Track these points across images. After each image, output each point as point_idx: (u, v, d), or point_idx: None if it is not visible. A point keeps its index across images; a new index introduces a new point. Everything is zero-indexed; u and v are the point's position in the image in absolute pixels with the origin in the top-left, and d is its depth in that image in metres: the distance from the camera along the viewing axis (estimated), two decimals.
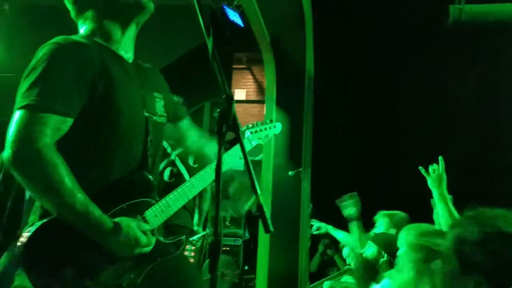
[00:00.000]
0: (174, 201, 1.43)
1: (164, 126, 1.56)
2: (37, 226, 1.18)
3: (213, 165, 1.57)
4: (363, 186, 5.98)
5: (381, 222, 3.26)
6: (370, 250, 2.78)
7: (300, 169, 5.23)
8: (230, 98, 1.19)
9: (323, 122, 6.28)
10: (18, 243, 1.16)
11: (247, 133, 1.77)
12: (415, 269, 2.01)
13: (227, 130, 1.17)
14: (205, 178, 1.55)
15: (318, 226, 3.85)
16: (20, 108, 1.21)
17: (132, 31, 1.48)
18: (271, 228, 1.14)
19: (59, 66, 1.25)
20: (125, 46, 1.45)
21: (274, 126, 1.97)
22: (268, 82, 6.36)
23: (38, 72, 1.23)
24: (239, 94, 7.45)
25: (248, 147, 1.72)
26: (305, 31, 5.91)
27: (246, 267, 6.15)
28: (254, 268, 5.95)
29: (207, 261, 6.05)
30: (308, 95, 6.16)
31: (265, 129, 1.89)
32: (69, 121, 1.26)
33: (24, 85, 1.24)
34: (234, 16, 5.89)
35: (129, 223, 1.26)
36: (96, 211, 1.21)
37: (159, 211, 1.38)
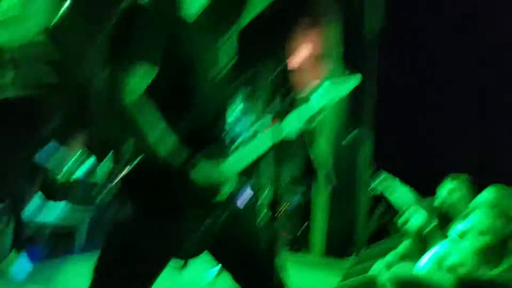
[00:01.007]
0: (248, 151, 1.52)
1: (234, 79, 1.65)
2: (132, 166, 1.34)
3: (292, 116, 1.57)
4: (428, 151, 5.77)
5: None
6: (419, 217, 2.70)
7: (357, 131, 5.14)
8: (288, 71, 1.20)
9: (388, 81, 6.05)
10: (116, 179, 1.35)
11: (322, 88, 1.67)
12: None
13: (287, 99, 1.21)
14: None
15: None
16: (110, 62, 1.37)
17: None
18: (333, 181, 1.17)
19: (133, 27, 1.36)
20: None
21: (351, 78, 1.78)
22: (331, 42, 6.20)
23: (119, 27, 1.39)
24: (302, 54, 7.33)
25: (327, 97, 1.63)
26: None
27: (305, 224, 6.28)
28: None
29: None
30: (372, 54, 5.94)
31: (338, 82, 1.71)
32: (155, 69, 1.36)
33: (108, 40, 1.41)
34: None
35: (208, 166, 1.37)
36: (183, 153, 1.33)
37: (235, 160, 1.48)
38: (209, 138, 1.46)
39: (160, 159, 1.32)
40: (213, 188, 1.38)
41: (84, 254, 4.71)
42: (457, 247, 2.27)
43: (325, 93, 1.61)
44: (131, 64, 1.31)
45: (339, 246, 5.60)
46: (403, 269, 2.37)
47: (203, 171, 1.35)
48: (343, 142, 4.98)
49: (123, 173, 1.34)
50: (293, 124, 1.53)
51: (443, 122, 5.73)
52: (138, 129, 1.29)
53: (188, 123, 1.43)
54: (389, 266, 2.75)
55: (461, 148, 5.49)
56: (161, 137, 1.31)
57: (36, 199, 4.92)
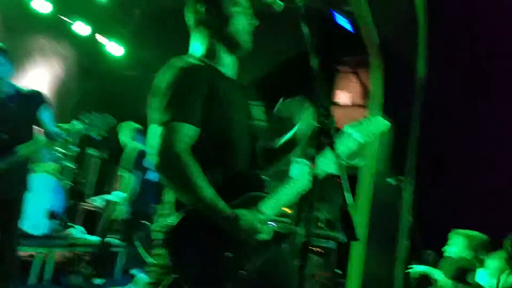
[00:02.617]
0: (285, 195, 1.57)
1: (264, 128, 1.73)
2: (179, 218, 1.43)
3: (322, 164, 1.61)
4: (470, 203, 5.56)
5: (456, 241, 2.97)
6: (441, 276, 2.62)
7: (402, 178, 5.04)
8: (331, 119, 1.25)
9: (432, 130, 5.94)
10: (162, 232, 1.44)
11: (349, 129, 1.74)
12: None
13: (324, 145, 1.25)
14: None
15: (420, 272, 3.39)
16: (163, 123, 1.47)
17: (235, 56, 1.70)
18: (357, 237, 1.18)
19: (185, 87, 1.51)
20: (229, 66, 1.67)
21: (379, 121, 1.87)
22: (374, 86, 6.21)
23: (170, 93, 1.50)
24: (343, 97, 7.38)
25: (351, 144, 1.70)
26: (418, 34, 5.65)
27: (338, 271, 6.10)
28: (345, 273, 5.89)
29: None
30: (417, 101, 5.89)
31: (368, 123, 1.79)
32: (198, 130, 1.50)
33: (162, 103, 1.50)
34: (342, 21, 5.85)
35: (247, 213, 1.45)
36: (221, 203, 1.43)
37: (273, 203, 1.55)
38: (244, 186, 1.54)
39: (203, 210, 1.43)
40: (254, 229, 1.44)
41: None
42: None
43: (354, 135, 1.66)
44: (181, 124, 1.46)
45: None
46: None
47: (245, 217, 1.43)
48: (389, 180, 4.89)
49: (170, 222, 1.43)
50: (324, 166, 1.58)
51: (485, 175, 5.53)
52: (184, 179, 1.40)
53: (225, 174, 1.53)
54: None
55: (500, 203, 5.24)
56: (202, 190, 1.40)
57: None
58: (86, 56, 6.62)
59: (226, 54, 1.66)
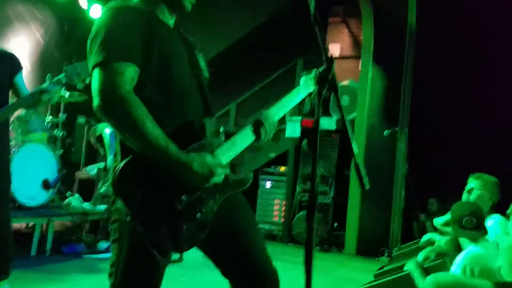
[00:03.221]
0: (239, 141, 1.55)
1: (207, 80, 1.67)
2: (124, 162, 1.36)
3: (279, 107, 1.65)
4: (463, 152, 5.61)
5: (472, 185, 2.99)
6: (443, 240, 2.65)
7: (396, 129, 5.04)
8: (330, 60, 1.21)
9: (425, 78, 5.90)
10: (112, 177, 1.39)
11: (301, 81, 1.74)
12: None
13: (326, 91, 1.20)
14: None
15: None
16: (96, 65, 1.38)
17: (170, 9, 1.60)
18: (367, 186, 1.16)
19: (119, 26, 1.42)
20: (166, 16, 1.57)
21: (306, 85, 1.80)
22: (365, 36, 6.10)
23: (103, 33, 1.40)
24: (334, 48, 7.26)
25: (303, 92, 1.71)
26: None
27: (335, 224, 6.23)
28: (343, 225, 6.02)
29: (298, 215, 6.23)
30: (409, 50, 5.80)
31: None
32: (138, 70, 1.41)
33: (93, 47, 1.40)
34: None
35: (202, 155, 1.40)
36: (171, 145, 1.36)
37: (227, 150, 1.51)
38: (196, 135, 1.48)
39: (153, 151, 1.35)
40: (210, 172, 1.39)
41: None
42: (490, 251, 2.21)
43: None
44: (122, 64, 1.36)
45: (372, 246, 5.51)
46: (441, 273, 2.32)
47: (196, 160, 1.37)
48: (384, 133, 4.88)
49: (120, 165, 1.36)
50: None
51: (477, 124, 5.55)
52: (132, 121, 1.32)
53: (174, 122, 1.46)
54: (423, 262, 2.71)
55: (495, 150, 5.29)
56: (152, 130, 1.33)
57: None
58: (66, 20, 6.37)
59: (165, 7, 1.57)
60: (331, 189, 6.28)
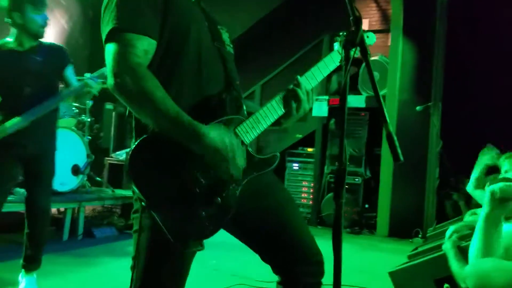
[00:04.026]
0: (264, 117, 1.43)
1: (232, 56, 1.54)
2: (136, 143, 1.27)
3: (313, 74, 1.51)
4: (497, 125, 5.33)
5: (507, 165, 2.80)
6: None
7: (429, 104, 4.82)
8: (358, 19, 1.09)
9: (458, 53, 5.61)
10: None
11: (336, 46, 1.60)
12: None
13: (354, 53, 1.09)
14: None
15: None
16: (108, 37, 1.29)
17: None
18: (401, 157, 1.06)
19: None
20: None
21: (367, 37, 1.67)
22: (394, 9, 5.85)
23: (114, 2, 1.30)
24: (363, 24, 7.01)
25: (337, 58, 1.54)
26: None
27: (366, 206, 6.09)
28: (374, 207, 5.87)
29: (327, 196, 6.12)
30: (440, 23, 5.52)
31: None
32: (153, 43, 1.32)
33: (105, 17, 1.33)
34: None
35: (221, 131, 1.29)
36: (187, 117, 1.26)
37: (250, 127, 1.39)
38: (218, 110, 1.37)
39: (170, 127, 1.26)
40: (229, 149, 1.29)
41: None
42: None
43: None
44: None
45: (405, 227, 5.35)
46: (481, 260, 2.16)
47: (215, 136, 1.27)
48: (417, 109, 4.68)
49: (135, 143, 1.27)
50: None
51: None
52: (141, 94, 1.23)
53: (193, 97, 1.36)
54: (457, 241, 2.55)
55: None
56: (163, 102, 1.23)
57: None
58: (90, 6, 6.38)
59: None
60: (365, 169, 6.12)
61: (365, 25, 6.98)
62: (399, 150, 1.04)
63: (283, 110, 1.46)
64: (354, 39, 1.10)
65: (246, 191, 1.37)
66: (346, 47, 1.11)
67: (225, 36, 1.54)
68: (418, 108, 4.74)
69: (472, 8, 5.54)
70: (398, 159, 1.04)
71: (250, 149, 1.41)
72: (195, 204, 1.28)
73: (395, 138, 1.04)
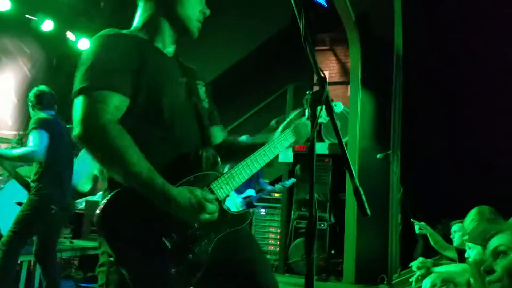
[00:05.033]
0: (239, 174, 1.46)
1: (207, 110, 1.59)
2: (108, 197, 1.27)
3: (273, 142, 1.59)
4: (456, 171, 5.59)
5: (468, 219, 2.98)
6: (473, 251, 2.54)
7: (388, 152, 5.01)
8: (323, 79, 1.17)
9: (415, 102, 5.93)
10: (96, 213, 1.27)
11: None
12: None
13: (320, 111, 1.16)
14: (267, 153, 1.56)
15: (421, 226, 3.63)
16: (78, 92, 1.31)
17: (175, 35, 1.57)
18: (369, 212, 1.10)
19: (107, 53, 1.36)
20: (167, 43, 1.53)
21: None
22: (352, 62, 6.16)
23: (90, 61, 1.34)
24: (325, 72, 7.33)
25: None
26: (394, 6, 5.59)
27: (332, 251, 6.10)
28: (340, 252, 5.89)
29: (295, 242, 6.10)
30: (397, 74, 5.86)
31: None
32: (126, 100, 1.34)
33: (78, 74, 1.34)
34: None
35: (192, 190, 1.30)
36: (159, 179, 1.26)
37: (225, 183, 1.42)
38: (192, 166, 1.40)
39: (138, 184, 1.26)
40: (200, 207, 1.30)
41: None
42: None
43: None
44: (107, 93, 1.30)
45: (371, 273, 5.38)
46: None
47: (185, 195, 1.28)
48: (377, 156, 4.85)
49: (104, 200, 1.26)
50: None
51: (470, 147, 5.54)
52: (112, 152, 1.24)
53: (168, 154, 1.38)
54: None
55: (486, 177, 5.26)
56: (135, 161, 1.24)
57: None
58: (55, 54, 6.36)
59: (169, 33, 1.53)
60: (330, 215, 6.18)
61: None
62: (366, 205, 1.09)
63: (257, 168, 1.50)
64: (320, 97, 1.18)
65: (218, 246, 1.38)
66: (313, 105, 1.18)
67: (202, 91, 1.59)
68: (378, 156, 4.92)
69: (427, 60, 5.93)
70: (365, 214, 1.09)
71: (224, 206, 1.43)
72: (166, 261, 1.27)
73: (362, 192, 1.08)
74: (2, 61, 5.62)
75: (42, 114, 3.46)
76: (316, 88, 1.19)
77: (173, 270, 1.27)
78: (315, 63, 1.21)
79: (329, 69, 7.54)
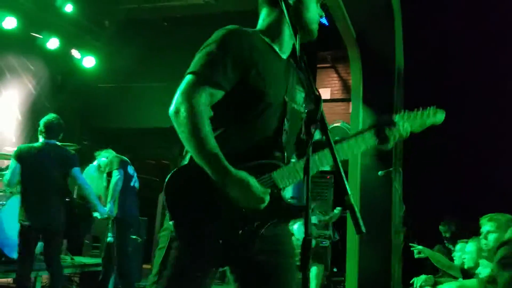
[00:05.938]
0: (299, 170, 1.51)
1: (301, 115, 1.66)
2: (172, 172, 1.45)
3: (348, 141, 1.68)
4: (460, 188, 5.56)
5: (487, 226, 2.93)
6: (486, 270, 2.51)
7: (390, 169, 5.00)
8: (318, 98, 1.19)
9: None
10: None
11: (397, 118, 1.76)
12: None
13: (315, 130, 1.17)
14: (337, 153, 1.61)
15: (420, 250, 3.63)
16: (189, 73, 1.49)
17: (293, 39, 1.63)
18: (363, 229, 1.11)
19: (224, 47, 1.50)
20: (284, 47, 1.66)
21: (435, 113, 1.87)
22: (354, 79, 6.19)
23: (208, 49, 1.51)
24: (324, 93, 7.35)
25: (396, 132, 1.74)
26: (394, 24, 5.64)
27: (334, 269, 6.04)
28: (343, 270, 5.83)
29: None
30: (397, 91, 5.88)
31: (422, 116, 1.82)
32: (221, 92, 1.49)
33: (196, 56, 1.52)
34: None
35: (245, 176, 1.40)
36: (224, 159, 1.39)
37: (286, 174, 1.49)
38: (259, 156, 1.50)
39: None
40: (248, 198, 1.40)
41: None
42: None
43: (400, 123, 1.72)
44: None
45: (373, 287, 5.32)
46: None
47: (241, 179, 1.39)
48: (379, 173, 4.85)
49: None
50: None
51: (471, 163, 5.53)
52: (189, 128, 1.38)
53: (244, 141, 1.51)
54: None
55: (491, 192, 5.24)
56: (206, 141, 1.38)
57: None
58: (59, 71, 6.45)
59: (288, 37, 1.64)
60: (333, 231, 6.14)
61: (327, 94, 7.36)
62: (361, 222, 1.09)
63: (323, 167, 1.58)
64: (315, 116, 1.19)
65: (265, 241, 1.46)
66: (307, 124, 1.19)
67: (300, 97, 1.67)
68: (380, 173, 4.91)
69: (428, 78, 5.96)
70: (360, 232, 1.09)
71: (282, 194, 1.49)
72: (216, 229, 1.40)
73: (357, 210, 1.09)
74: (7, 78, 5.69)
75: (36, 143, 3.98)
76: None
77: (220, 240, 1.39)
78: (310, 81, 1.24)
79: (331, 86, 7.59)
